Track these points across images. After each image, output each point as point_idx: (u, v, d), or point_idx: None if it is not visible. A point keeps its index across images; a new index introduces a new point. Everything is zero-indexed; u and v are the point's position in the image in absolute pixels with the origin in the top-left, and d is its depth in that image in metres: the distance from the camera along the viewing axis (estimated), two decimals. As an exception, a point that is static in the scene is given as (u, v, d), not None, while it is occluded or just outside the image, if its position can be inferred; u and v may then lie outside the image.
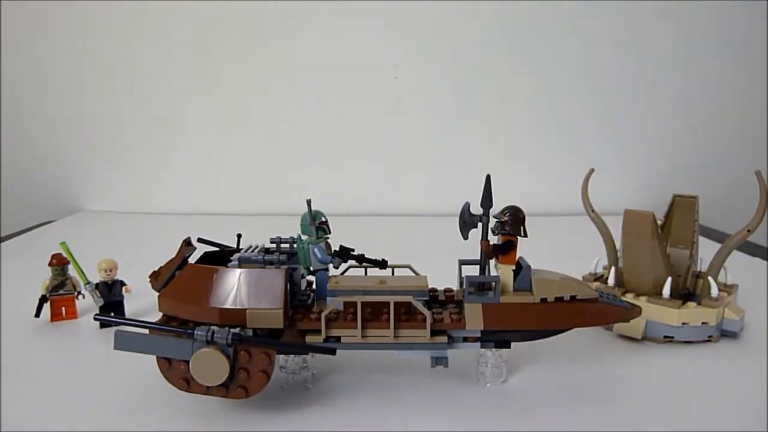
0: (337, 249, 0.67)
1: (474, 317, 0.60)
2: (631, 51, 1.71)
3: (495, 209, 0.61)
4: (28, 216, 1.70)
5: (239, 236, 0.69)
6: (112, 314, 0.82)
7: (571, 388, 0.64)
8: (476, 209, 0.61)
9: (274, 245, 0.65)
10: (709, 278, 0.77)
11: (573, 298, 0.61)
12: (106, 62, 1.74)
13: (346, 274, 0.69)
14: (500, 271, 0.61)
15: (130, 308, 0.86)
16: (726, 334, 0.76)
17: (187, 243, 0.64)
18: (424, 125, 1.75)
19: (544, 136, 1.75)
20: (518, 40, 1.70)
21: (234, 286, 0.58)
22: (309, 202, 0.63)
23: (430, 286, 0.64)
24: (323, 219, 0.64)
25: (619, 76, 1.72)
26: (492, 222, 0.61)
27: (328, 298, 0.61)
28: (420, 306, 0.59)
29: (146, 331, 0.57)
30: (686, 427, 0.57)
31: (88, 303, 0.84)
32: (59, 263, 0.84)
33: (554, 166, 1.71)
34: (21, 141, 1.81)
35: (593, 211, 0.86)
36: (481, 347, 0.62)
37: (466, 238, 0.63)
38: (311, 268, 0.65)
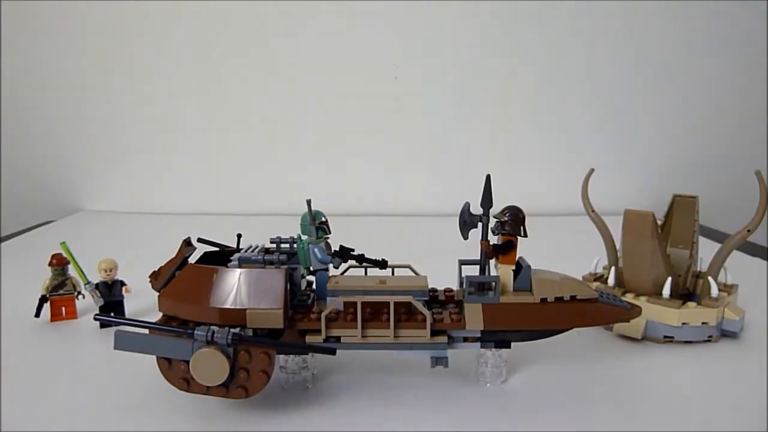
0: (337, 249, 0.67)
1: (474, 317, 0.60)
2: (631, 51, 1.70)
3: (495, 209, 0.61)
4: (28, 216, 1.70)
5: (239, 236, 0.69)
6: (112, 314, 0.82)
7: (571, 388, 0.64)
8: (476, 209, 0.61)
9: (274, 245, 0.65)
10: (709, 278, 0.77)
11: (573, 298, 0.61)
12: (106, 62, 1.74)
13: (346, 274, 0.69)
14: (500, 271, 0.61)
15: (130, 308, 0.86)
16: (726, 334, 0.76)
17: (187, 243, 0.64)
18: (424, 125, 1.75)
19: (544, 136, 1.75)
20: (518, 40, 1.70)
21: (234, 286, 0.58)
22: (309, 202, 0.63)
23: (430, 286, 0.64)
24: (323, 219, 0.64)
25: (619, 76, 1.72)
26: (492, 222, 0.61)
27: (328, 298, 0.61)
28: (420, 306, 0.59)
29: (146, 331, 0.57)
30: (686, 427, 0.57)
31: (88, 303, 0.84)
32: (59, 263, 0.84)
33: (554, 166, 1.71)
34: (21, 141, 1.81)
35: (593, 211, 0.86)
36: (481, 347, 0.62)
37: (466, 238, 0.63)
38: (311, 268, 0.65)
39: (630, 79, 1.72)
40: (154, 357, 0.57)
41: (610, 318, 0.63)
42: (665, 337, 0.75)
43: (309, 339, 0.60)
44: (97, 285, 0.84)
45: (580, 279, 0.73)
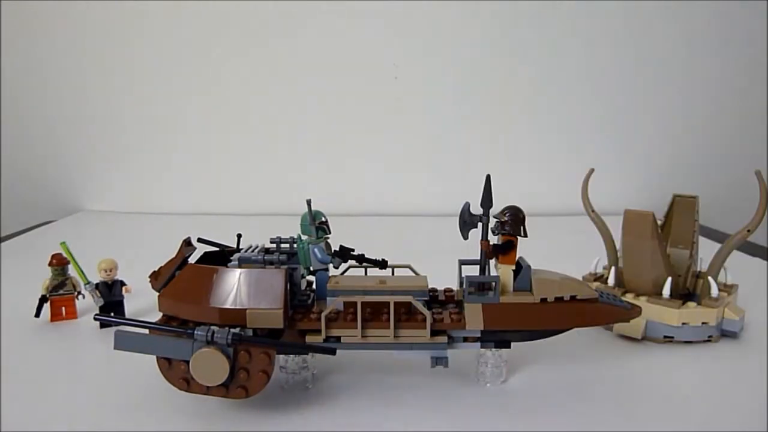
0: (337, 249, 0.67)
1: (474, 317, 0.60)
2: (631, 51, 1.70)
3: (495, 209, 0.61)
4: (28, 216, 1.70)
5: (239, 236, 0.69)
6: (112, 314, 0.82)
7: (571, 388, 0.64)
8: (476, 209, 0.61)
9: (274, 245, 0.65)
10: (709, 278, 0.77)
11: (573, 298, 0.61)
12: (106, 62, 1.74)
13: (346, 274, 0.69)
14: (500, 271, 0.61)
15: (130, 308, 0.86)
16: (726, 334, 0.76)
17: (187, 243, 0.64)
18: (424, 125, 1.75)
19: (544, 136, 1.75)
20: (518, 40, 1.70)
21: (234, 286, 0.58)
22: (309, 202, 0.63)
23: (430, 286, 0.64)
24: (323, 219, 0.64)
25: (619, 76, 1.72)
26: (492, 222, 0.61)
27: (328, 298, 0.61)
28: (420, 306, 0.59)
29: (146, 331, 0.57)
30: (686, 427, 0.57)
31: (88, 303, 0.84)
32: (59, 263, 0.84)
33: (554, 166, 1.71)
34: (21, 141, 1.81)
35: (593, 211, 0.86)
36: (481, 347, 0.62)
37: (466, 238, 0.63)
38: (311, 268, 0.65)
39: (630, 79, 1.72)
40: (154, 357, 0.57)
41: (610, 318, 0.63)
42: (665, 337, 0.75)
43: (309, 339, 0.60)
44: (97, 285, 0.84)
45: (580, 279, 0.73)
